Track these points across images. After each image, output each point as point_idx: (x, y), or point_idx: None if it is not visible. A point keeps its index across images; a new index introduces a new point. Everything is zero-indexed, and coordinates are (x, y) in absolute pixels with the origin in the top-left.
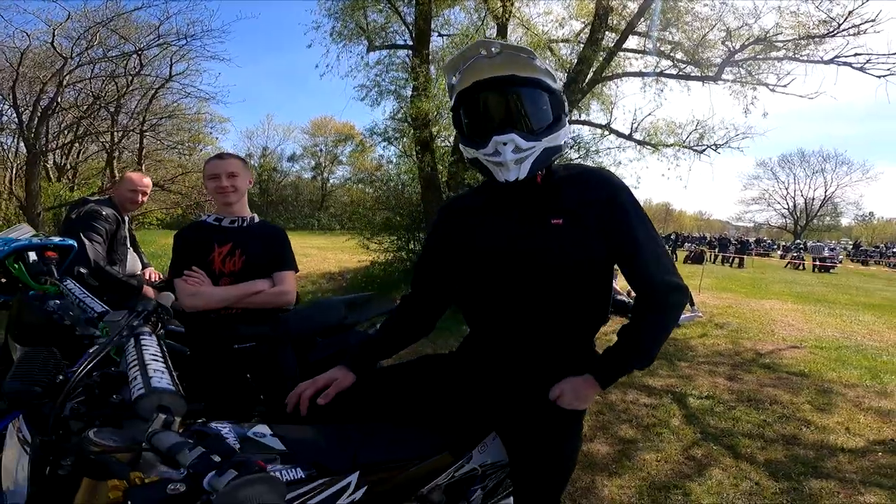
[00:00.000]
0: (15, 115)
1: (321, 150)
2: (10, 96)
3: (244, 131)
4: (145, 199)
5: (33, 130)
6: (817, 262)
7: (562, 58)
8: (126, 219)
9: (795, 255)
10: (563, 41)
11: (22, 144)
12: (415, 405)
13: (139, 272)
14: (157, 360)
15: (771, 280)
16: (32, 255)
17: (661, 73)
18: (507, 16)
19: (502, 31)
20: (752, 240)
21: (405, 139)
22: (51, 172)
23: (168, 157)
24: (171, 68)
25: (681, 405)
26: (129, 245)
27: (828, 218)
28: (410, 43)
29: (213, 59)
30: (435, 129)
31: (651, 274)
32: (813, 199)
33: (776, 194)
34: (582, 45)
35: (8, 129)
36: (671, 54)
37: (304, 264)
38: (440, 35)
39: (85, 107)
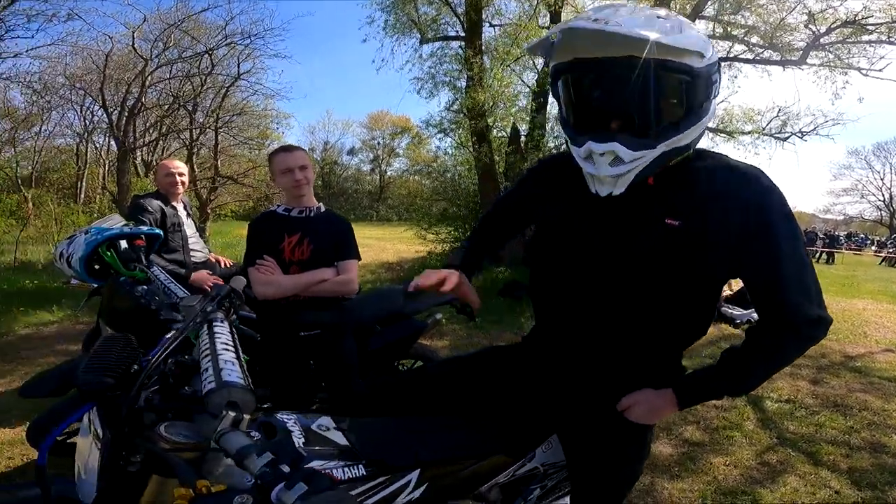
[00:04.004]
0: (105, 115)
1: (378, 143)
2: (100, 97)
3: (306, 126)
4: (184, 179)
5: (122, 129)
6: None
7: None
8: (178, 207)
9: (892, 250)
10: None
11: (113, 143)
12: (480, 399)
13: (208, 256)
14: (227, 350)
15: (864, 278)
16: (123, 244)
17: (735, 58)
18: (560, 3)
19: (555, 18)
20: (842, 234)
21: (461, 130)
22: (139, 168)
23: (240, 152)
24: (238, 67)
25: (756, 409)
26: (195, 231)
27: None
28: (462, 34)
29: (275, 56)
30: (490, 119)
31: (786, 298)
32: None
33: (870, 185)
34: None
35: (99, 129)
36: (745, 38)
37: (362, 254)
38: (491, 25)
39: (166, 106)
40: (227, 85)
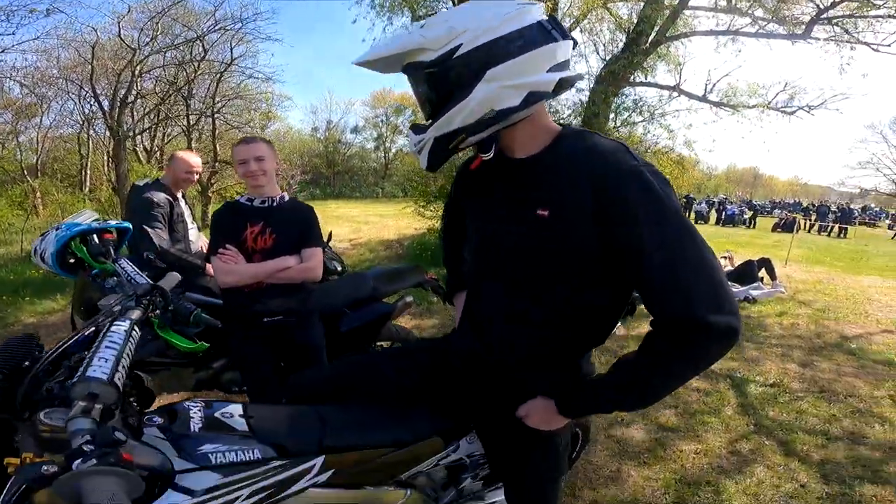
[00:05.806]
0: (97, 105)
1: (382, 121)
2: (91, 89)
3: (308, 107)
4: (198, 176)
5: (115, 119)
6: None
7: (620, 18)
8: (180, 196)
9: None
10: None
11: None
12: (409, 390)
13: (202, 245)
14: (110, 348)
15: (875, 253)
16: (94, 238)
17: (738, 32)
18: None
19: None
20: (857, 208)
21: None
22: (140, 155)
23: (239, 136)
24: (231, 52)
25: (738, 392)
26: (190, 220)
27: None
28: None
29: (266, 40)
30: None
31: (654, 297)
32: None
33: (886, 159)
34: (643, 4)
35: (98, 118)
36: (749, 11)
37: (364, 232)
38: None
39: (162, 94)
40: (221, 70)
